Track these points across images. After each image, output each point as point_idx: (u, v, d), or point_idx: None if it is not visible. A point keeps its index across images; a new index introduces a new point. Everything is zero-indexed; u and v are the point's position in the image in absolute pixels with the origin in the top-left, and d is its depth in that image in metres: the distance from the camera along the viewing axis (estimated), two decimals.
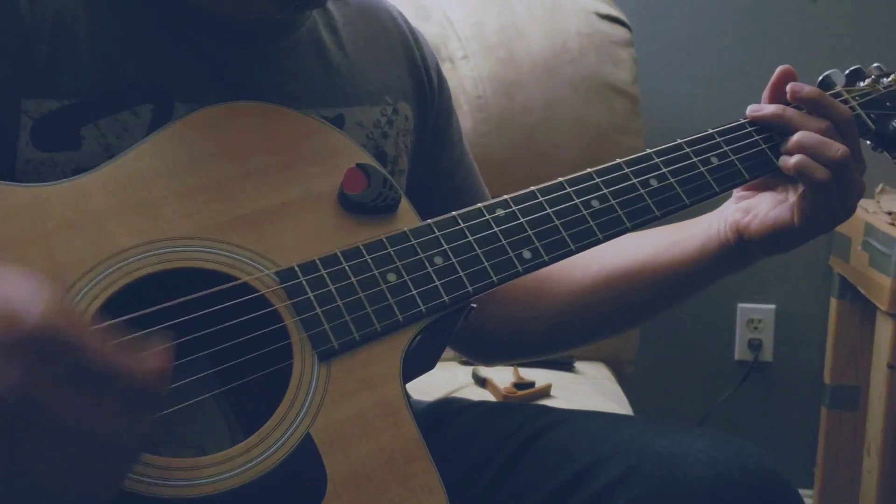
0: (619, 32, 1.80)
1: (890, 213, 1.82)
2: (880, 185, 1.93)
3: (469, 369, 1.56)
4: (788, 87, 0.92)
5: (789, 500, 0.77)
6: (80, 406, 0.53)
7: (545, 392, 1.47)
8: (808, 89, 0.92)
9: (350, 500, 0.66)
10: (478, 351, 1.08)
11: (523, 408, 0.99)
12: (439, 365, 0.88)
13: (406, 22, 1.01)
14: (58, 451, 0.52)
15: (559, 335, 1.03)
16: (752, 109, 0.93)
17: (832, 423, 2.04)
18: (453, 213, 0.80)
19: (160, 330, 0.64)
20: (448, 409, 0.97)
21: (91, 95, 0.77)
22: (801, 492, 0.77)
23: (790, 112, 0.91)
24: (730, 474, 0.75)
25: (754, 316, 2.13)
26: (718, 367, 2.15)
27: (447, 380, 1.49)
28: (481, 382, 1.51)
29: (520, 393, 1.44)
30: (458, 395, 1.39)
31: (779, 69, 0.94)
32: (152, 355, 0.56)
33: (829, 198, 0.87)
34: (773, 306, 2.13)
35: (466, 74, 1.70)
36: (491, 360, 1.15)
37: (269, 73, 0.85)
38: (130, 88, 0.78)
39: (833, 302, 2.04)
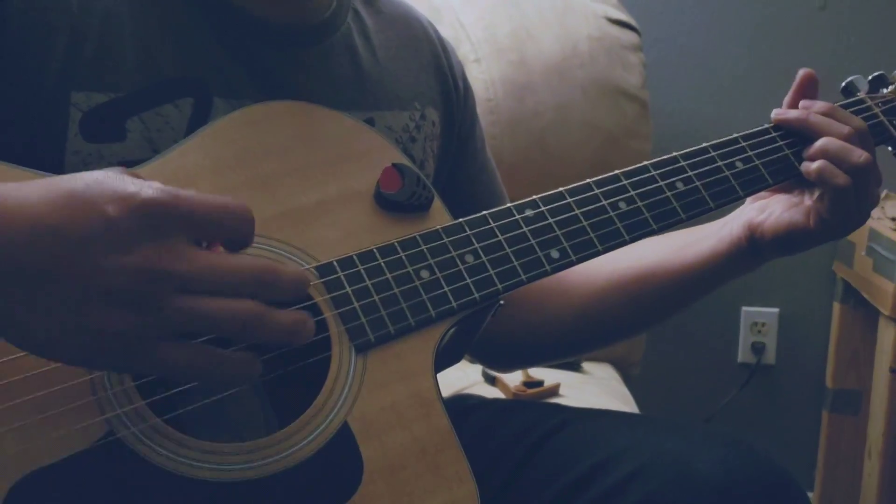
0: (629, 37, 1.82)
1: (894, 219, 1.83)
2: (885, 192, 1.94)
3: (479, 367, 1.57)
4: (801, 104, 0.94)
5: (797, 500, 0.78)
6: (201, 254, 0.58)
7: (554, 391, 1.48)
8: (819, 105, 0.94)
9: (385, 486, 0.68)
10: (494, 356, 1.09)
11: (538, 406, 1.00)
12: None
13: (436, 31, 1.04)
14: (197, 295, 0.57)
15: (574, 338, 1.04)
16: (776, 113, 0.95)
17: (833, 427, 2.06)
18: (484, 212, 0.82)
19: None
20: (463, 406, 0.98)
21: (135, 89, 0.79)
22: None
23: (814, 117, 0.93)
24: (739, 473, 0.76)
25: (758, 319, 2.15)
26: (722, 370, 2.16)
27: (458, 377, 1.50)
28: (491, 380, 1.52)
29: (529, 391, 1.46)
30: (469, 391, 1.40)
31: (800, 73, 0.96)
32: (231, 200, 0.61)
33: (847, 204, 0.89)
34: (776, 310, 2.14)
35: (478, 77, 1.71)
36: (506, 365, 1.16)
37: (305, 76, 0.88)
38: (172, 83, 0.81)
39: (836, 306, 2.05)
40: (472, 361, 1.55)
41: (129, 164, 0.75)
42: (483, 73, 1.71)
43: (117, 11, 0.80)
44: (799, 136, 0.94)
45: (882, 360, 1.84)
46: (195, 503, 0.64)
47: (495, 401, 1.02)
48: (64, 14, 0.78)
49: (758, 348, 2.14)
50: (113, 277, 0.56)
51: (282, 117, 0.81)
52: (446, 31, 1.70)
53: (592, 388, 1.55)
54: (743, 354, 2.16)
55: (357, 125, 0.84)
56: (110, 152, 0.78)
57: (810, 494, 2.10)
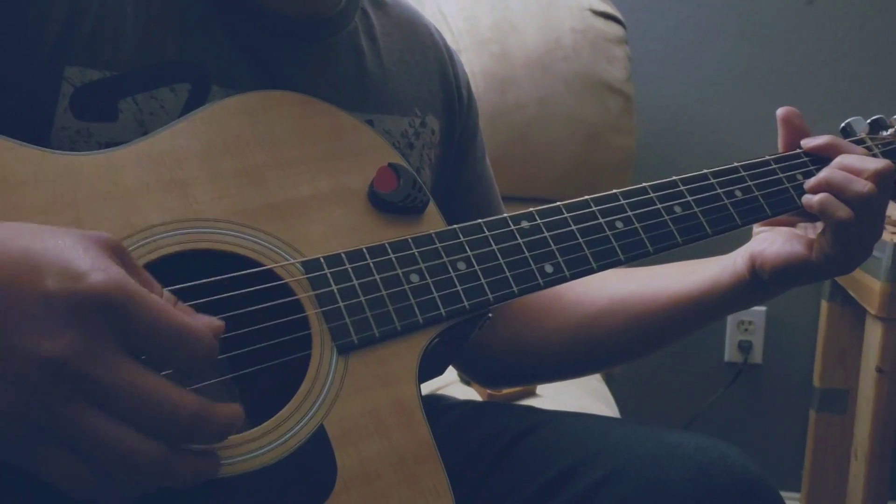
0: (614, 30, 1.80)
1: (885, 220, 1.82)
2: None
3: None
4: (803, 143, 0.94)
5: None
6: (131, 369, 0.52)
7: (530, 391, 1.46)
8: (818, 140, 0.94)
9: (358, 495, 0.66)
10: (484, 372, 1.08)
11: (509, 408, 0.99)
12: None
13: (442, 39, 1.04)
14: (104, 413, 0.51)
15: (567, 360, 1.02)
16: (805, 142, 0.95)
17: (820, 426, 2.05)
18: (479, 220, 0.80)
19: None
20: (435, 407, 0.97)
21: (132, 69, 0.78)
22: (789, 495, 0.77)
23: (840, 141, 0.94)
24: (714, 478, 0.75)
25: (745, 318, 2.14)
26: (708, 369, 2.16)
27: None
28: (467, 380, 1.50)
29: (505, 391, 1.44)
30: (444, 392, 1.38)
31: (779, 114, 0.96)
32: (207, 321, 0.56)
33: (849, 237, 0.88)
34: (763, 308, 2.14)
35: None
36: (493, 382, 1.14)
37: (306, 71, 0.87)
38: (170, 66, 0.79)
39: (823, 305, 2.05)
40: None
41: (117, 144, 0.74)
42: (464, 65, 1.69)
43: None
44: (824, 161, 0.93)
45: (869, 360, 1.83)
46: (154, 500, 0.61)
47: (467, 402, 1.00)
48: None
49: (745, 347, 2.14)
50: (23, 359, 0.50)
51: (278, 107, 0.79)
52: None
53: (571, 388, 1.53)
54: (730, 353, 2.16)
55: (355, 122, 0.83)
56: (99, 131, 0.76)
57: (797, 495, 2.10)
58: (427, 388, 1.39)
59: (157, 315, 0.53)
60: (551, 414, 0.91)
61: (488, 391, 1.44)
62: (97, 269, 0.52)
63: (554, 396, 1.44)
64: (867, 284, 1.79)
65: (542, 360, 1.03)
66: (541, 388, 1.48)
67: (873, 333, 1.80)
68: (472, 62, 1.70)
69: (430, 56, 1.00)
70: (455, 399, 1.02)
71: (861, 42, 2.01)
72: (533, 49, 1.72)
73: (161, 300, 0.54)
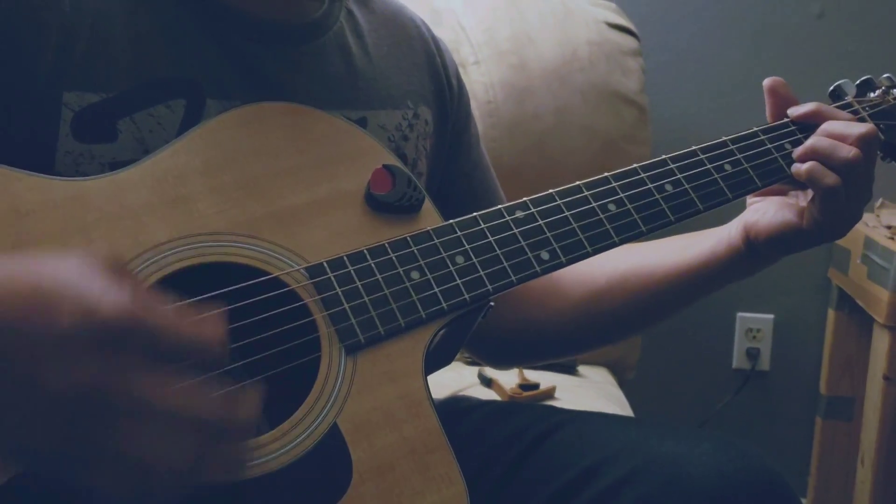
0: (629, 42, 1.82)
1: (889, 227, 1.84)
2: (880, 200, 1.95)
3: (475, 369, 1.57)
4: (789, 112, 0.95)
5: (789, 502, 0.79)
6: (156, 383, 0.53)
7: (549, 394, 1.49)
8: (804, 108, 0.95)
9: (374, 486, 0.68)
10: (491, 352, 1.09)
11: (532, 408, 1.01)
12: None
13: (429, 30, 1.04)
14: (139, 435, 0.53)
15: (572, 337, 1.04)
16: (792, 110, 0.96)
17: (827, 433, 2.06)
18: (475, 213, 0.82)
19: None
20: (458, 407, 0.99)
21: (127, 90, 0.79)
22: None
23: (825, 108, 0.95)
24: (733, 476, 0.77)
25: (753, 325, 2.15)
26: (716, 375, 2.17)
27: (453, 379, 1.51)
28: (487, 382, 1.53)
29: (525, 394, 1.46)
30: (465, 393, 1.41)
31: (765, 84, 0.97)
32: (208, 320, 0.56)
33: (838, 203, 0.89)
34: (771, 316, 2.15)
35: (478, 80, 1.71)
36: (503, 362, 1.16)
37: (297, 75, 0.87)
38: (164, 83, 0.80)
39: (831, 313, 2.06)
40: (469, 362, 1.56)
41: (120, 164, 0.75)
42: (483, 76, 1.72)
43: (109, 11, 0.80)
44: (811, 129, 0.94)
45: (876, 368, 1.84)
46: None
47: (490, 402, 1.02)
48: (56, 12, 0.77)
49: (752, 354, 2.14)
50: (53, 387, 0.51)
51: (273, 118, 0.81)
52: (447, 33, 1.71)
53: (588, 391, 1.55)
54: (738, 360, 2.16)
55: (348, 127, 0.84)
56: (101, 152, 0.77)
57: (804, 500, 2.10)
58: (448, 389, 1.42)
59: (169, 331, 0.54)
60: (573, 414, 0.93)
61: (509, 393, 1.46)
62: (107, 299, 0.52)
63: (572, 399, 1.46)
64: (874, 294, 1.81)
65: (548, 337, 1.05)
66: (559, 392, 1.50)
67: (880, 342, 1.82)
68: (491, 73, 1.72)
69: (418, 48, 1.00)
70: (477, 399, 1.04)
71: (870, 55, 2.02)
72: (550, 61, 1.74)
73: (168, 314, 0.54)
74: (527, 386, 1.48)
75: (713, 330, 2.15)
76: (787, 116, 0.96)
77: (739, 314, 2.15)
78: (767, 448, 2.17)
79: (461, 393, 1.41)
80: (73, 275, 0.53)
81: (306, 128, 0.82)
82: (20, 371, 0.51)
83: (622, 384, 1.72)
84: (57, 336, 0.51)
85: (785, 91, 0.96)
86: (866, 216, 1.92)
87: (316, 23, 0.90)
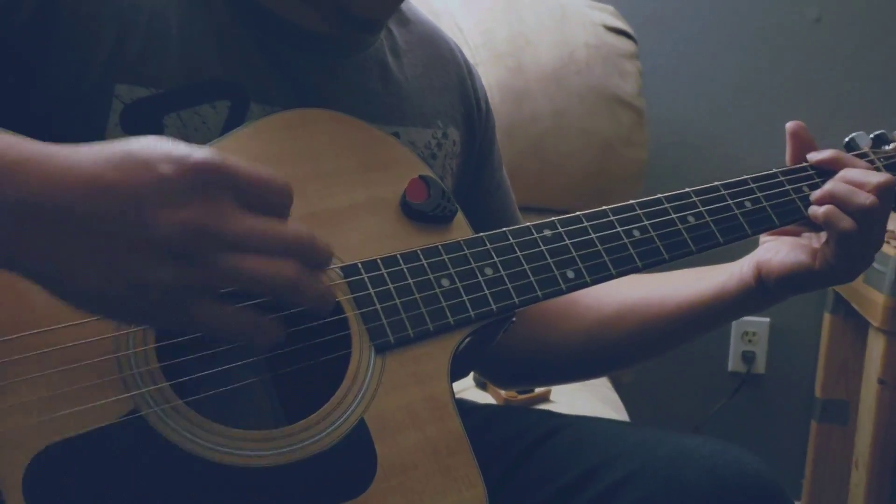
0: (626, 45, 1.83)
1: (886, 231, 1.84)
2: None
3: (470, 372, 1.57)
4: (809, 157, 0.98)
5: None
6: (249, 217, 0.59)
7: (545, 397, 1.49)
8: (823, 154, 0.97)
9: (397, 483, 0.70)
10: (500, 372, 1.11)
11: (528, 412, 1.02)
12: None
13: (461, 54, 1.07)
14: (245, 262, 0.59)
15: (580, 361, 1.06)
16: (812, 156, 0.98)
17: (822, 437, 2.07)
18: (504, 229, 0.84)
19: None
20: None
21: (176, 87, 0.81)
22: None
23: (844, 155, 0.97)
24: (728, 480, 0.78)
25: (749, 328, 2.16)
26: (712, 378, 2.18)
27: None
28: (482, 385, 1.53)
29: (521, 397, 1.46)
30: (459, 397, 1.41)
31: (789, 127, 0.99)
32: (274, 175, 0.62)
33: (851, 247, 0.91)
34: (767, 319, 2.16)
35: None
36: (510, 383, 1.19)
37: (338, 86, 0.90)
38: (211, 84, 0.83)
39: (826, 317, 2.06)
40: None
41: None
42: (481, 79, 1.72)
43: (164, 11, 0.82)
44: (828, 174, 0.96)
45: (871, 372, 1.84)
46: (209, 485, 0.66)
47: (486, 406, 1.03)
48: (113, 7, 0.80)
49: (748, 357, 2.15)
50: (162, 231, 0.57)
51: (316, 124, 0.83)
52: None
53: (584, 394, 1.55)
54: (733, 363, 2.17)
55: (386, 137, 0.87)
56: None
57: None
58: None
59: (246, 173, 0.60)
60: (570, 418, 0.93)
61: (504, 396, 1.47)
62: (194, 150, 0.59)
63: (568, 403, 1.46)
64: (870, 297, 1.81)
65: (560, 360, 1.06)
66: (554, 395, 1.50)
67: (876, 346, 1.82)
68: (489, 75, 1.72)
69: (451, 70, 1.03)
70: (474, 402, 1.05)
71: (867, 59, 2.03)
72: (547, 63, 1.75)
73: (245, 164, 0.60)
74: (522, 389, 1.48)
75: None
76: (807, 161, 0.98)
77: None
78: (762, 451, 2.17)
79: (457, 396, 1.41)
80: (155, 139, 0.60)
81: (346, 135, 0.84)
82: (132, 223, 0.57)
83: (618, 388, 1.73)
84: (157, 185, 0.57)
85: (806, 135, 0.98)
86: None
87: (358, 38, 0.93)
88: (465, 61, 1.07)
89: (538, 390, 1.49)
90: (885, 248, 1.77)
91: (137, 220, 0.57)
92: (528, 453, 0.88)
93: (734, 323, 2.15)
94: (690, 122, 2.05)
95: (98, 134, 0.78)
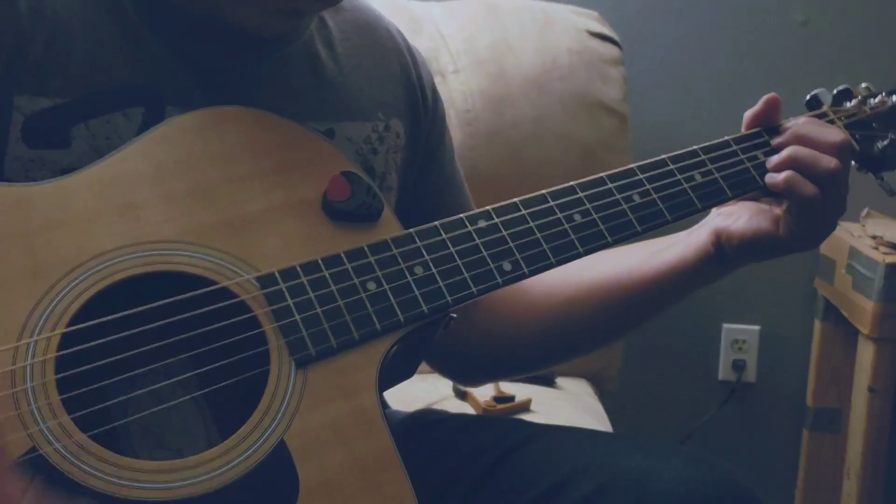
0: (610, 51, 1.81)
1: (874, 238, 1.83)
2: (865, 210, 1.94)
3: (450, 382, 1.55)
4: (745, 115, 0.94)
5: None
6: None
7: (525, 406, 1.47)
8: (802, 119, 0.94)
9: None
10: (460, 370, 1.08)
11: (500, 421, 0.99)
12: (420, 376, 0.89)
13: (404, 39, 1.02)
14: None
15: (541, 350, 1.03)
16: (747, 114, 0.94)
17: (813, 445, 2.05)
18: (436, 222, 0.80)
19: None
20: (426, 421, 0.97)
21: (82, 96, 0.77)
22: None
23: (803, 128, 0.92)
24: (702, 492, 0.75)
25: (739, 336, 2.14)
26: (702, 387, 2.16)
27: (427, 391, 1.49)
28: (461, 395, 1.51)
29: (499, 406, 1.44)
30: (438, 406, 1.39)
31: (767, 98, 0.95)
32: None
33: (815, 213, 0.88)
34: (757, 327, 2.14)
35: (456, 88, 1.70)
36: (473, 380, 1.14)
37: (260, 86, 0.86)
38: (122, 91, 0.79)
39: (817, 324, 2.05)
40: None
41: (71, 171, 0.74)
42: (462, 85, 1.71)
43: (68, 17, 0.78)
44: (768, 143, 0.93)
45: (861, 380, 1.83)
46: None
47: (458, 416, 1.00)
48: (11, 15, 0.76)
49: (738, 366, 2.13)
50: None
51: (230, 123, 0.79)
52: (426, 41, 1.70)
53: (564, 403, 1.53)
54: (723, 372, 2.15)
55: (307, 133, 0.83)
56: (53, 159, 0.76)
57: None
58: (422, 402, 1.40)
59: None
60: (541, 428, 0.91)
61: (483, 406, 1.45)
62: None
63: (548, 413, 1.44)
64: (859, 305, 1.80)
65: (517, 351, 1.03)
66: (535, 405, 1.48)
67: (865, 353, 1.81)
68: (470, 81, 1.71)
69: (392, 59, 0.99)
70: (446, 413, 1.02)
71: (854, 62, 2.02)
72: (529, 69, 1.73)
73: None
74: (501, 398, 1.46)
75: (698, 341, 2.14)
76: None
77: (725, 325, 2.13)
78: (754, 460, 2.16)
79: (434, 405, 1.39)
80: None
81: (263, 133, 0.80)
82: None
83: (603, 396, 1.70)
84: None
85: (775, 110, 0.94)
86: (852, 226, 1.91)
87: (283, 33, 0.89)
88: (409, 47, 1.02)
89: (518, 399, 1.47)
90: (874, 255, 1.76)
91: None
92: (496, 465, 0.85)
93: (724, 331, 2.13)
94: (675, 128, 2.04)
95: (0, 150, 0.74)
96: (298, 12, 0.85)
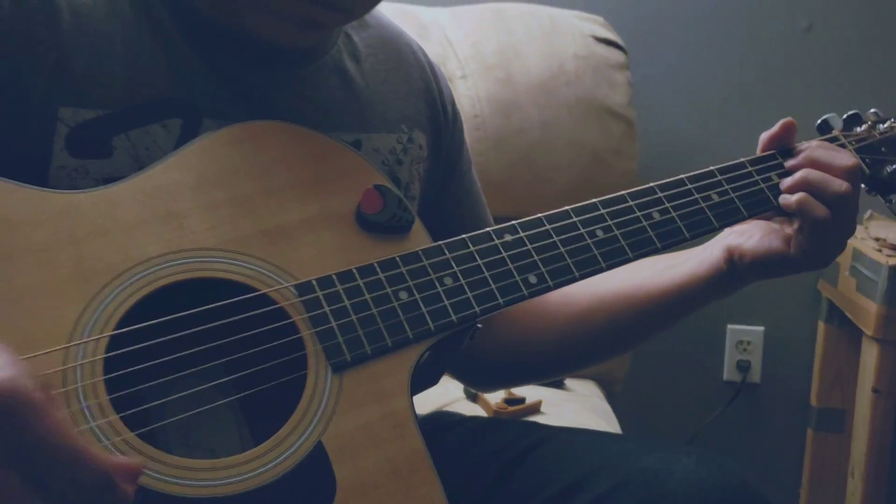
0: (616, 56, 1.83)
1: (877, 240, 1.84)
2: (869, 212, 1.96)
3: (460, 384, 1.56)
4: (762, 137, 0.97)
5: None
6: (18, 485, 0.50)
7: (535, 408, 1.48)
8: (815, 143, 0.96)
9: None
10: (474, 376, 1.10)
11: (514, 424, 1.01)
12: None
13: (425, 55, 1.05)
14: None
15: (557, 359, 1.05)
16: (764, 136, 0.97)
17: (818, 445, 2.06)
18: (464, 236, 0.82)
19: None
20: (441, 424, 0.99)
21: (123, 108, 0.80)
22: None
23: (816, 152, 0.95)
24: (712, 492, 0.77)
25: (743, 338, 2.15)
26: (707, 388, 2.17)
27: (439, 394, 1.50)
28: (472, 397, 1.52)
29: (510, 408, 1.46)
30: (450, 409, 1.40)
31: (783, 123, 0.98)
32: (119, 460, 0.53)
33: (825, 234, 0.90)
34: (762, 328, 2.15)
35: (464, 94, 1.72)
36: (486, 385, 1.17)
37: (291, 97, 0.88)
38: (161, 103, 0.81)
39: (821, 325, 2.06)
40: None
41: (114, 180, 0.76)
42: (469, 90, 1.72)
43: (108, 31, 0.81)
44: (784, 165, 0.95)
45: (865, 380, 1.84)
46: None
47: (473, 418, 1.02)
48: (54, 29, 0.78)
49: (743, 366, 2.14)
50: None
51: (266, 137, 0.82)
52: (434, 47, 1.72)
53: (574, 405, 1.55)
54: (728, 372, 2.16)
55: (340, 147, 0.85)
56: (96, 168, 0.78)
57: None
58: (434, 405, 1.42)
59: (53, 429, 0.51)
60: (555, 430, 0.93)
61: (494, 408, 1.46)
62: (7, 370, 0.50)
63: (558, 414, 1.46)
64: (863, 306, 1.81)
65: (535, 359, 1.05)
66: (545, 407, 1.50)
67: (869, 354, 1.82)
68: (478, 87, 1.72)
69: (414, 73, 1.01)
70: (462, 415, 1.04)
71: (858, 68, 2.03)
72: (536, 75, 1.75)
73: (64, 417, 0.51)
74: (512, 401, 1.48)
75: (703, 342, 2.15)
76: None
77: (730, 326, 2.15)
78: (759, 460, 2.17)
79: (446, 408, 1.40)
80: None
81: (298, 147, 0.83)
82: None
83: (610, 398, 1.72)
84: None
85: (791, 135, 0.97)
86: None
87: (313, 47, 0.91)
88: (430, 63, 1.05)
89: (528, 402, 1.49)
90: (877, 257, 1.77)
91: None
92: (512, 467, 0.87)
93: (728, 332, 2.14)
94: (681, 133, 2.05)
95: (44, 159, 0.77)
96: (319, 24, 0.87)
